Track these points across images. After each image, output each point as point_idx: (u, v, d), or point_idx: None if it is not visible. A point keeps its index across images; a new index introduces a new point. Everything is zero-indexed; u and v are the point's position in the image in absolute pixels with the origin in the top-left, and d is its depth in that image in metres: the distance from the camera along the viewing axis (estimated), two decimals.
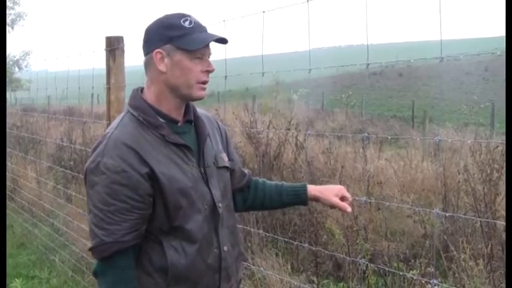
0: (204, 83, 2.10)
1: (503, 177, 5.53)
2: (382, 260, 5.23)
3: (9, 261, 6.48)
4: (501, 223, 4.91)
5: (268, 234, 5.28)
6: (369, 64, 3.02)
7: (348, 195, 2.46)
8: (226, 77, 3.68)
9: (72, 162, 9.20)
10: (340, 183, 6.18)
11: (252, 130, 7.49)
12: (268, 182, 2.57)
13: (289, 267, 5.15)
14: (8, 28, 42.90)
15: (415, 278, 4.22)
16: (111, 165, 1.97)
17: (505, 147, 5.35)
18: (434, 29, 2.62)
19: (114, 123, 2.13)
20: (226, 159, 2.31)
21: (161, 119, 2.10)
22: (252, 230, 5.21)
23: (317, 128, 18.90)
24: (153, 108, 2.10)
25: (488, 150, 5.65)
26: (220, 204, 2.18)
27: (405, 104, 31.33)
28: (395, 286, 4.73)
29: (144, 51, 2.14)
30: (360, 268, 4.81)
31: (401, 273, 4.15)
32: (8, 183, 8.76)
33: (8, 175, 8.94)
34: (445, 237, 5.32)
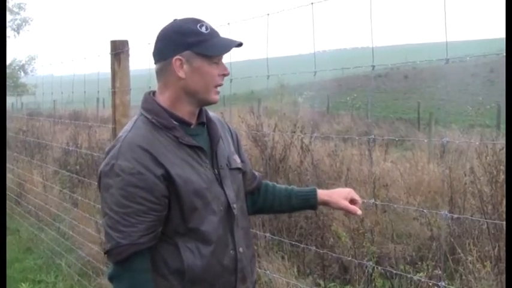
0: (219, 86, 2.13)
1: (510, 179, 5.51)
2: (389, 262, 5.22)
3: (16, 266, 6.50)
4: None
5: (274, 237, 5.27)
6: (374, 66, 3.01)
7: (357, 197, 2.47)
8: (231, 80, 3.68)
9: (78, 167, 9.22)
10: (346, 186, 6.18)
11: (258, 133, 7.49)
12: (278, 185, 2.58)
13: (295, 270, 5.14)
14: (13, 33, 43.12)
15: (422, 280, 4.21)
16: (126, 168, 1.97)
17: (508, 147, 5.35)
18: (439, 31, 2.62)
19: (128, 126, 2.14)
20: (238, 160, 2.31)
21: (174, 122, 2.10)
22: (258, 232, 5.20)
23: (322, 131, 18.88)
24: (167, 111, 2.11)
25: (494, 151, 5.63)
26: (235, 205, 2.19)
27: (411, 106, 31.27)
28: None
29: (158, 58, 2.13)
30: (366, 271, 4.80)
31: (408, 275, 4.13)
32: (14, 187, 8.79)
33: (14, 179, 8.97)
34: (452, 240, 5.30)
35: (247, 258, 2.25)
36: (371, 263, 4.32)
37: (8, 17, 40.13)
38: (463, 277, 4.69)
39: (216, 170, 2.17)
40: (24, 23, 44.10)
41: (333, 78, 40.99)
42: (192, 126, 2.17)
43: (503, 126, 18.13)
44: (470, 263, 4.59)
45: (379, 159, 8.95)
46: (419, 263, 5.00)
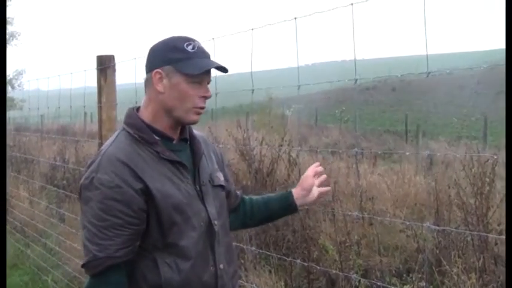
0: (201, 108, 2.12)
1: (494, 191, 5.55)
2: (376, 275, 5.23)
3: None
4: (493, 236, 4.92)
5: (261, 251, 5.27)
6: (357, 79, 3.04)
7: (319, 169, 2.55)
8: (217, 94, 3.70)
9: (65, 182, 9.19)
10: (333, 199, 6.21)
11: (245, 147, 7.50)
12: (255, 196, 2.61)
13: (282, 284, 5.13)
14: None
15: None
16: (105, 181, 1.98)
17: (496, 160, 5.39)
18: (430, 43, 2.65)
19: (109, 141, 2.16)
20: (222, 178, 2.32)
21: (156, 137, 2.12)
22: (245, 247, 5.20)
23: (311, 144, 18.92)
24: (149, 126, 2.12)
25: (479, 163, 5.67)
26: (216, 222, 2.19)
27: (398, 119, 31.46)
28: None
29: (145, 69, 2.17)
30: (353, 284, 4.81)
31: None
32: None
33: None
34: (438, 252, 5.32)
35: (229, 275, 2.24)
36: (357, 275, 4.32)
37: None
38: None
39: (197, 186, 2.17)
40: (11, 38, 44.03)
41: (321, 91, 41.18)
42: (174, 142, 2.18)
43: (490, 137, 18.24)
44: (456, 274, 4.61)
45: (366, 172, 8.98)
46: (406, 275, 5.02)
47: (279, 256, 4.94)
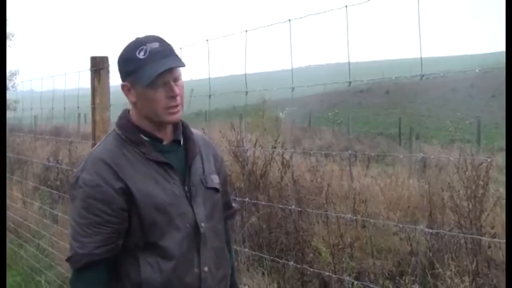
0: (173, 107, 2.11)
1: (488, 194, 5.57)
2: (369, 277, 5.23)
3: None
4: (486, 239, 4.93)
5: (254, 253, 5.27)
6: (350, 82, 3.05)
7: None
8: (210, 96, 3.70)
9: (58, 182, 9.17)
10: (326, 201, 6.22)
11: (239, 149, 7.49)
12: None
13: (275, 286, 5.13)
14: None
15: None
16: (87, 180, 2.05)
17: (490, 163, 5.41)
18: (424, 46, 2.65)
19: (99, 142, 2.21)
20: (216, 181, 2.32)
21: (145, 138, 2.14)
22: (238, 248, 5.20)
23: (304, 146, 18.92)
24: (137, 127, 2.15)
25: (473, 166, 5.68)
26: (203, 224, 2.18)
27: (392, 122, 31.47)
28: None
29: None
30: (346, 286, 4.81)
31: None
32: None
33: None
34: (431, 254, 5.33)
35: (215, 279, 2.24)
36: (350, 278, 4.33)
37: None
38: None
39: (186, 187, 2.18)
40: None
41: (315, 93, 41.22)
42: (164, 143, 2.19)
43: (484, 141, 18.30)
44: (449, 277, 4.61)
45: (359, 175, 8.99)
46: (399, 278, 5.03)
47: (272, 258, 4.94)
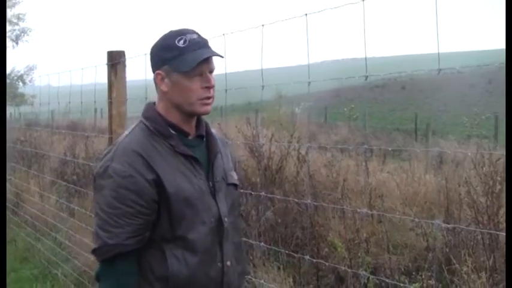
0: (207, 98, 2.13)
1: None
2: (384, 273, 5.21)
3: (12, 276, 6.48)
4: (504, 235, 4.89)
5: (270, 247, 5.26)
6: (367, 76, 3.03)
7: None
8: (226, 90, 3.69)
9: (75, 177, 9.22)
10: (342, 196, 6.20)
11: (254, 143, 7.49)
12: None
13: (291, 280, 5.13)
14: (12, 43, 43.18)
15: None
16: (118, 170, 2.03)
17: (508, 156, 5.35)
18: (441, 41, 2.64)
19: (126, 132, 2.21)
20: (235, 177, 2.34)
21: (172, 131, 2.15)
22: (254, 243, 5.21)
23: (320, 141, 18.88)
24: (165, 120, 2.16)
25: (490, 162, 5.64)
26: (226, 219, 2.20)
27: (408, 117, 31.37)
28: None
29: (152, 70, 2.20)
30: (362, 281, 4.80)
31: (403, 286, 4.13)
32: (11, 197, 8.78)
33: (11, 189, 8.95)
34: (447, 250, 5.30)
35: (235, 272, 2.26)
36: (366, 273, 4.31)
37: (7, 27, 40.22)
38: None
39: (210, 183, 2.19)
40: (23, 34, 44.19)
41: (331, 89, 41.07)
42: (190, 137, 2.20)
43: (501, 137, 18.16)
44: (466, 273, 4.58)
45: (375, 170, 8.95)
46: (415, 273, 5.01)
47: (287, 252, 4.94)
